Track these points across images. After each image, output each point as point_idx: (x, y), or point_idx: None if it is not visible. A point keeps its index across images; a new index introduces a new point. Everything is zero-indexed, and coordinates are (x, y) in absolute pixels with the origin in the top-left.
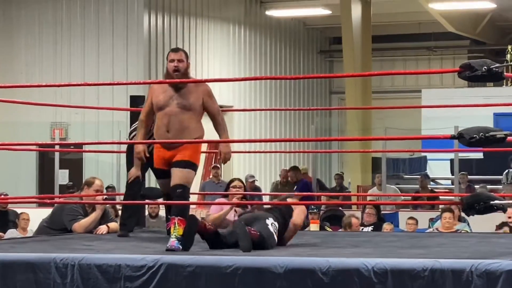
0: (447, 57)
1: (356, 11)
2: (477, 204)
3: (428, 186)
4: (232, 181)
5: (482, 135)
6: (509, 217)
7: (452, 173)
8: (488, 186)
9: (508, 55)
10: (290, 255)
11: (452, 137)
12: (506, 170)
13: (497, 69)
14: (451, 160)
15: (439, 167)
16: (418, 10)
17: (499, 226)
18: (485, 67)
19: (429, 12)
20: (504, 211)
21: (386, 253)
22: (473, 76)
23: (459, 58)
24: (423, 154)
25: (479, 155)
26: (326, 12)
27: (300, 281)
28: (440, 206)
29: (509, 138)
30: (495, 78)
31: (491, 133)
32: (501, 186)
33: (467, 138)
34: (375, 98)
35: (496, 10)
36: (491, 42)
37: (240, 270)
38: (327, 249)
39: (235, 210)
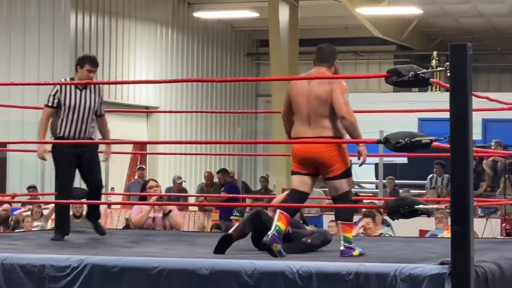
0: (373, 62)
1: (284, 14)
2: (402, 208)
3: (353, 190)
4: (147, 182)
5: (408, 140)
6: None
7: (377, 177)
8: (412, 191)
9: (434, 61)
10: (216, 257)
11: (378, 142)
12: (430, 175)
13: (423, 75)
14: (376, 165)
15: (363, 171)
16: (345, 15)
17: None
18: (412, 73)
19: (356, 17)
20: (429, 215)
21: (311, 256)
22: (400, 82)
23: (385, 63)
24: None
25: (403, 160)
26: (254, 14)
27: (226, 283)
28: (363, 210)
29: (434, 143)
30: (421, 84)
31: (417, 139)
32: (425, 191)
33: (393, 143)
34: None
35: (422, 16)
36: (417, 48)
37: (166, 272)
38: (251, 252)
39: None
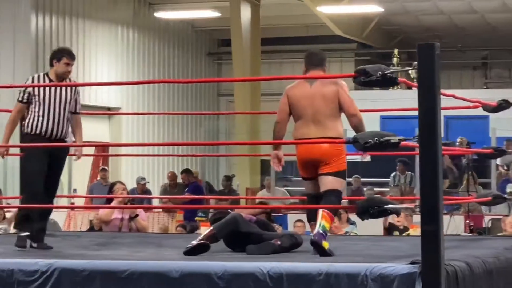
0: (335, 60)
1: (246, 13)
2: (371, 208)
3: None
4: (114, 184)
5: (377, 140)
6: (398, 220)
7: None
8: (375, 189)
9: (395, 59)
10: (187, 259)
11: (347, 142)
12: (393, 173)
13: (391, 75)
14: None
15: None
16: (307, 13)
17: (389, 229)
18: (380, 72)
19: (316, 16)
20: (398, 214)
21: (280, 256)
22: (368, 81)
23: (346, 62)
24: None
25: (366, 158)
26: (216, 14)
27: (196, 286)
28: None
29: (403, 143)
30: (389, 83)
31: (386, 138)
32: (388, 189)
33: (361, 143)
34: (264, 100)
35: (383, 14)
36: (378, 46)
37: (136, 275)
38: (220, 253)
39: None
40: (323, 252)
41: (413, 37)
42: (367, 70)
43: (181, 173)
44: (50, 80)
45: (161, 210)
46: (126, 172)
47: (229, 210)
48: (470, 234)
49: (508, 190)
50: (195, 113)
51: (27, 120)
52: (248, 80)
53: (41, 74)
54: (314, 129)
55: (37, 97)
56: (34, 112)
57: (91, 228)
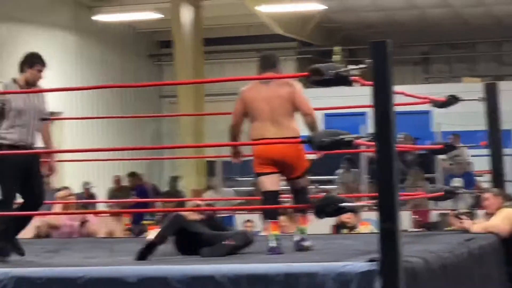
0: None
1: (187, 14)
2: (328, 207)
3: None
4: (59, 190)
5: (331, 139)
6: (348, 218)
7: None
8: (320, 186)
9: (336, 56)
10: (144, 264)
11: (303, 142)
12: (339, 170)
13: (344, 73)
14: None
15: None
16: (248, 13)
17: (338, 227)
18: (333, 71)
19: (257, 15)
20: (355, 212)
21: (238, 258)
22: (321, 81)
23: (288, 60)
24: None
25: (311, 156)
26: (157, 16)
27: None
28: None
29: (357, 141)
30: (342, 82)
31: (340, 137)
32: (334, 186)
33: (317, 142)
34: (207, 101)
35: (324, 12)
36: (319, 44)
37: (93, 281)
38: (177, 257)
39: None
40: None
41: (354, 34)
42: (321, 69)
43: (127, 176)
44: (20, 87)
45: (107, 214)
46: (71, 177)
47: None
48: (417, 230)
49: (454, 184)
50: (137, 116)
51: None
52: (196, 83)
53: (10, 81)
54: (273, 129)
55: (11, 105)
56: (9, 121)
57: (38, 235)
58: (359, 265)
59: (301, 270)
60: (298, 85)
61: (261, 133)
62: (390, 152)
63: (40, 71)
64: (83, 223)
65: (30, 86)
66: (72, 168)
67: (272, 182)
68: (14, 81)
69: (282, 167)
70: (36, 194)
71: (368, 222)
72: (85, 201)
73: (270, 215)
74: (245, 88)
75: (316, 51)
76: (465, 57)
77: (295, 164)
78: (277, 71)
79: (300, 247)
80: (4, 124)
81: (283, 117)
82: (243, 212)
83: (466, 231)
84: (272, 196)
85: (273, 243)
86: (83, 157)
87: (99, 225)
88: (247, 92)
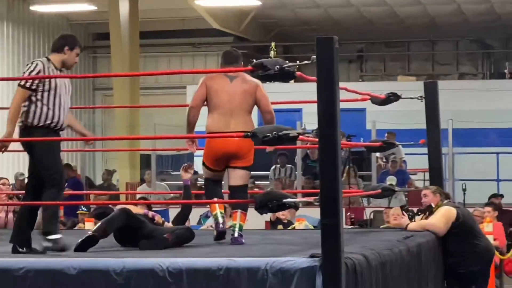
0: (211, 54)
1: (124, 6)
2: (270, 202)
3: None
4: None
5: (275, 133)
6: (283, 214)
7: None
8: (255, 182)
9: (272, 52)
10: (83, 256)
11: (246, 136)
12: (273, 166)
13: (289, 68)
14: None
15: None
16: (183, 7)
17: (273, 222)
18: (278, 66)
19: (194, 9)
20: (296, 208)
21: (179, 251)
22: (265, 75)
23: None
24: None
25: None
26: (91, 7)
27: (94, 282)
28: None
29: (301, 136)
30: (287, 77)
31: (284, 132)
32: (268, 182)
33: (260, 137)
34: (142, 94)
35: (260, 7)
36: (254, 39)
37: (32, 273)
38: (115, 249)
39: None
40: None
41: (290, 30)
42: (265, 64)
43: None
44: (55, 68)
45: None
46: (1, 167)
47: (110, 206)
48: (351, 226)
49: (388, 182)
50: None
51: (32, 111)
52: (133, 75)
53: (44, 60)
54: (232, 123)
55: (45, 85)
56: (42, 101)
57: None
58: (301, 260)
59: (242, 265)
60: (260, 83)
61: (219, 127)
62: (334, 148)
63: (78, 54)
64: (16, 212)
65: (66, 68)
66: (3, 158)
67: (213, 174)
68: (48, 60)
69: (227, 162)
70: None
71: (303, 218)
72: (18, 192)
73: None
74: (208, 76)
75: (252, 47)
76: (399, 56)
77: (244, 154)
78: (238, 66)
79: (237, 243)
80: (38, 105)
81: (243, 113)
82: (177, 206)
83: (402, 228)
84: (212, 184)
85: (236, 234)
86: (15, 147)
87: None
88: (211, 80)
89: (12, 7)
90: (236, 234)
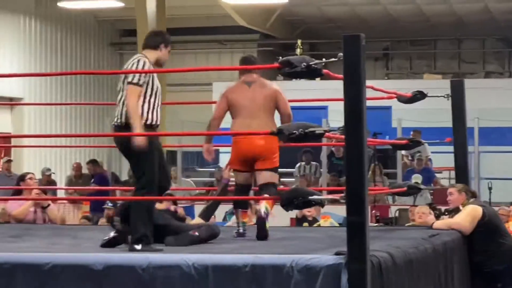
0: (237, 51)
1: (151, 3)
2: (296, 199)
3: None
4: (24, 175)
5: (301, 131)
6: (309, 211)
7: None
8: (281, 179)
9: (298, 50)
10: (110, 251)
11: (272, 133)
12: (299, 163)
13: (316, 66)
14: None
15: None
16: (210, 4)
17: (299, 220)
18: (304, 64)
19: (220, 6)
20: (322, 205)
21: (205, 248)
22: (292, 72)
23: (249, 52)
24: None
25: None
26: (119, 4)
27: (120, 278)
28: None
29: (327, 134)
30: (313, 75)
31: (310, 129)
32: (293, 179)
33: (286, 134)
34: (168, 91)
35: (286, 5)
36: (280, 36)
37: (58, 268)
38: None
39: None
40: (261, 231)
41: (316, 28)
42: (292, 61)
43: (87, 163)
44: (151, 65)
45: (66, 201)
46: (28, 163)
47: None
48: (376, 224)
49: (413, 180)
50: (97, 103)
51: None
52: (158, 72)
53: (144, 57)
54: (255, 124)
55: (149, 84)
56: (147, 100)
57: None
58: (326, 258)
59: (268, 262)
60: (279, 87)
61: (242, 129)
62: (360, 146)
63: (169, 52)
64: (45, 207)
65: (158, 66)
66: (30, 154)
67: (242, 179)
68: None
69: (254, 162)
70: (166, 177)
71: (328, 216)
72: (46, 187)
73: (240, 204)
74: (229, 89)
75: (278, 44)
76: (426, 54)
77: (266, 156)
78: (257, 73)
79: (260, 219)
80: (147, 103)
81: (264, 116)
82: (202, 202)
83: (428, 226)
84: (241, 189)
85: (262, 213)
86: (43, 143)
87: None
88: (231, 93)
89: (40, 3)
90: (262, 213)
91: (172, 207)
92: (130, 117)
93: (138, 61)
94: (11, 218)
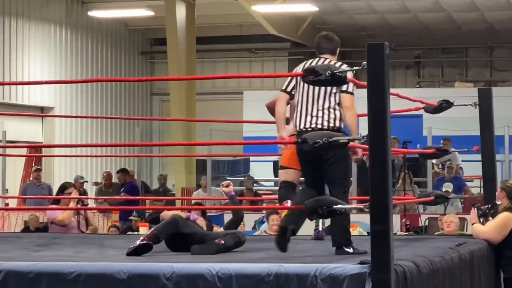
0: (268, 60)
1: (181, 12)
2: (320, 209)
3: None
4: (64, 185)
5: (325, 140)
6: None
7: (276, 175)
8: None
9: None
10: (134, 260)
11: (296, 143)
12: None
13: (340, 74)
14: (274, 162)
15: (261, 169)
16: (241, 12)
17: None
18: (329, 72)
19: (251, 15)
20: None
21: (229, 256)
22: (317, 81)
23: (280, 61)
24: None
25: None
26: (149, 13)
27: (144, 287)
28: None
29: (351, 143)
30: (338, 82)
31: (334, 138)
32: None
33: (310, 143)
34: (198, 99)
35: (317, 13)
36: (311, 45)
37: (83, 276)
38: (166, 254)
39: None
40: None
41: (347, 36)
42: (316, 69)
43: (117, 172)
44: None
45: (95, 210)
46: (59, 172)
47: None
48: (406, 233)
49: (444, 189)
50: (128, 118)
51: (339, 115)
52: (187, 79)
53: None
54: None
55: (299, 89)
56: (298, 107)
57: (26, 229)
58: (350, 267)
59: (292, 271)
60: None
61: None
62: (384, 155)
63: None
64: (87, 218)
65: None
66: (60, 163)
67: (284, 176)
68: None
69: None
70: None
71: (357, 224)
72: (84, 197)
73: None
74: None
75: (308, 52)
76: (457, 62)
77: None
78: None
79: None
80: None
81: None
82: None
83: (457, 235)
84: (287, 187)
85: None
86: (73, 152)
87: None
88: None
89: (71, 12)
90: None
91: (191, 217)
92: (351, 129)
93: (341, 66)
94: (54, 224)
